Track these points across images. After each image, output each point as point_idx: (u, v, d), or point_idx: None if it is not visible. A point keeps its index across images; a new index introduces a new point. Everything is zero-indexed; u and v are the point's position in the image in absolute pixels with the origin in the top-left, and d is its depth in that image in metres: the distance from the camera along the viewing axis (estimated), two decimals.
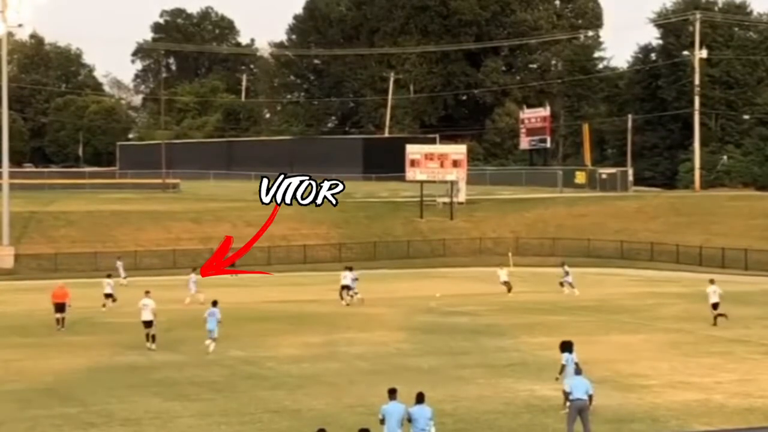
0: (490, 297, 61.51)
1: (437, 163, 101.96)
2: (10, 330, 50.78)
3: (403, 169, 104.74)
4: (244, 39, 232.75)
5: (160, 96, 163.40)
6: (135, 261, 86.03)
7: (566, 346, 30.91)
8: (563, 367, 30.51)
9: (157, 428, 29.72)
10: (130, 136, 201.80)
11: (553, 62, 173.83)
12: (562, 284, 67.51)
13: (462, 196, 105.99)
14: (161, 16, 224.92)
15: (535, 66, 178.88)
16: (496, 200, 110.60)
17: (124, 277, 73.91)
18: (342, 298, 60.12)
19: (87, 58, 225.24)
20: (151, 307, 45.06)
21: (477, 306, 58.58)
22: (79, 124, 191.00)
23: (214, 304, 44.70)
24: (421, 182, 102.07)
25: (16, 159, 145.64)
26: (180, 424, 30.19)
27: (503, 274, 67.10)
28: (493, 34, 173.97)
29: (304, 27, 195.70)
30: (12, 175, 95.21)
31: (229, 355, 42.29)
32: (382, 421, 24.23)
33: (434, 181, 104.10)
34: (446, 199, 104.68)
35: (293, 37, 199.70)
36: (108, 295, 60.15)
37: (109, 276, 62.78)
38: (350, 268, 62.57)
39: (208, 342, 43.38)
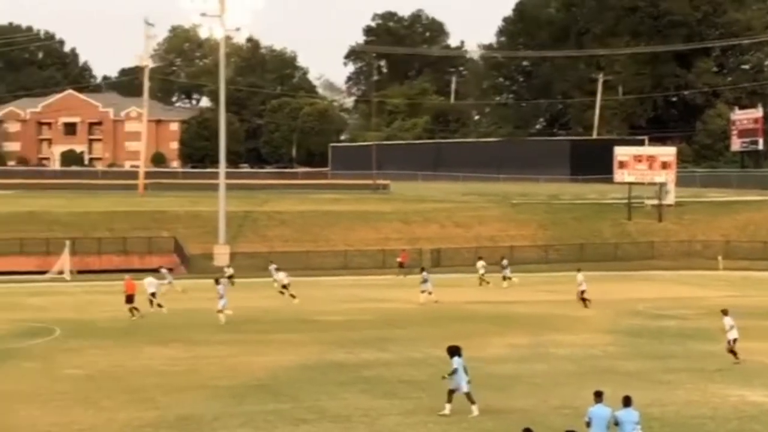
0: (699, 300, 60.67)
1: (646, 165, 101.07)
2: (222, 327, 51.97)
3: (610, 171, 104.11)
4: (453, 41, 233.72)
5: (371, 98, 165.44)
6: (345, 260, 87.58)
7: (455, 351, 30.90)
8: (455, 370, 30.58)
9: (366, 425, 30.01)
10: (342, 137, 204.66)
11: (767, 63, 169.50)
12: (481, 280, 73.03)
13: (671, 198, 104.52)
14: (373, 19, 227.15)
15: (747, 66, 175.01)
16: (705, 203, 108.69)
17: (168, 282, 68.70)
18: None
19: (301, 61, 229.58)
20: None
21: (685, 309, 57.85)
22: (293, 126, 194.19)
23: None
24: (630, 184, 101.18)
25: (232, 160, 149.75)
26: (388, 421, 30.45)
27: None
28: (704, 34, 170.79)
29: (513, 29, 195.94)
30: (228, 176, 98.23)
31: (435, 355, 42.72)
32: (588, 424, 24.21)
33: (642, 183, 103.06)
34: (654, 201, 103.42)
35: (502, 39, 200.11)
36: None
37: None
38: (277, 268, 67.12)
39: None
